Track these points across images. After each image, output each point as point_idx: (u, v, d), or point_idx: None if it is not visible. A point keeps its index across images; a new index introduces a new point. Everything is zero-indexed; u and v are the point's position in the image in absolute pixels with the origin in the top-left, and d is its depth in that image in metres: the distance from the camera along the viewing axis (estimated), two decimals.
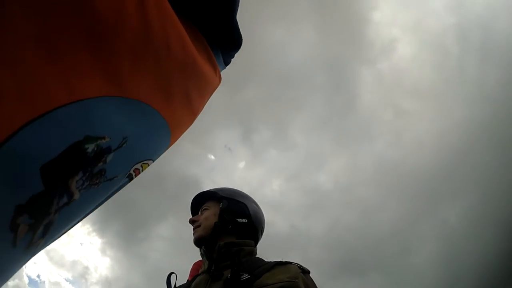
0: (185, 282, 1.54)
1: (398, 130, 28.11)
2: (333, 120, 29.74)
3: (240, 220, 1.52)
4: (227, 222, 1.48)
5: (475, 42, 22.88)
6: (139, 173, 1.15)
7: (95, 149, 0.79)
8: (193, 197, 1.68)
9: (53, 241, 0.92)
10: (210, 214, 1.53)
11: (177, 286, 1.48)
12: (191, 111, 1.24)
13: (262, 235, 1.66)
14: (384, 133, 28.45)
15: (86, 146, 0.76)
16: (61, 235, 0.96)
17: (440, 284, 22.29)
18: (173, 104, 1.05)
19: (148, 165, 1.17)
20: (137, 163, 1.07)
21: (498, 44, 21.47)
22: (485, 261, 20.14)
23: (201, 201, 1.63)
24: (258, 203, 1.71)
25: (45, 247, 0.87)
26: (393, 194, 26.76)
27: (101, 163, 0.85)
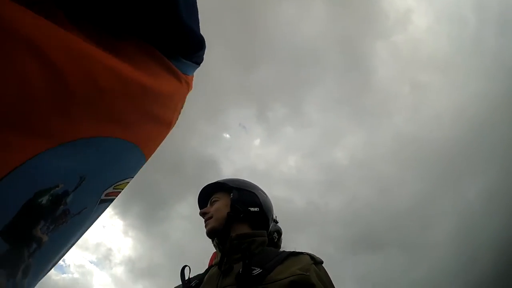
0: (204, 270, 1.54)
1: (415, 104, 27.54)
2: (349, 96, 29.32)
3: (252, 209, 1.52)
4: (240, 211, 1.48)
5: (493, 13, 21.89)
6: (117, 193, 1.17)
7: (50, 198, 0.84)
8: (201, 188, 1.67)
9: (43, 275, 0.99)
10: (221, 205, 1.52)
11: (190, 278, 1.48)
12: (161, 125, 1.23)
13: (272, 222, 1.65)
14: (401, 108, 27.95)
15: (40, 200, 0.81)
16: (50, 267, 1.02)
17: (458, 259, 22.26)
18: (134, 128, 1.05)
19: (127, 183, 1.19)
20: (107, 189, 1.08)
21: None
22: (502, 237, 19.96)
23: (208, 193, 1.63)
24: (266, 193, 1.70)
25: (35, 283, 0.93)
26: (411, 169, 26.51)
27: (62, 206, 0.89)
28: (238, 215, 1.47)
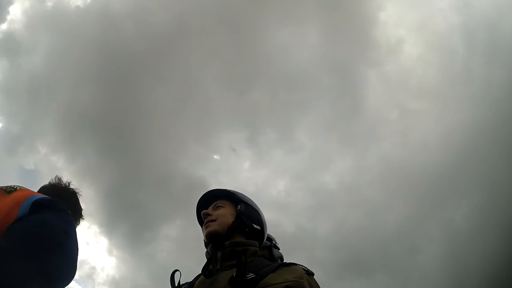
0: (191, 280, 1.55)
1: (403, 130, 28.07)
2: (339, 122, 29.77)
3: (255, 226, 1.55)
4: (245, 225, 1.51)
5: (482, 42, 22.91)
6: None
7: None
8: (200, 196, 1.68)
9: None
10: (226, 212, 1.55)
11: (181, 284, 1.49)
12: None
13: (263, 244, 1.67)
14: (389, 134, 28.44)
15: None
16: None
17: (446, 284, 22.22)
18: None
19: None
20: None
21: (504, 44, 21.53)
22: (491, 261, 20.06)
23: (212, 198, 1.64)
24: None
25: None
26: (399, 194, 26.73)
27: None
28: (242, 228, 1.51)
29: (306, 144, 30.38)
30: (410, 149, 27.15)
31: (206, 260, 1.55)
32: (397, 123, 28.05)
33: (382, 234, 26.28)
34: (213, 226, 1.48)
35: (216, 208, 1.56)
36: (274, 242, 2.46)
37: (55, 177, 2.19)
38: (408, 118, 27.73)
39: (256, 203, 1.69)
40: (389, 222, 26.27)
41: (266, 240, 2.26)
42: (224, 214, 1.52)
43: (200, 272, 1.52)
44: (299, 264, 1.38)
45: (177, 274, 1.47)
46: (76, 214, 2.07)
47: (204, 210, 1.56)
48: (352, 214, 28.16)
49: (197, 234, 1.57)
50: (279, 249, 2.47)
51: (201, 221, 1.60)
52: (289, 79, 28.37)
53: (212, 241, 1.49)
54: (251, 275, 1.26)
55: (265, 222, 1.63)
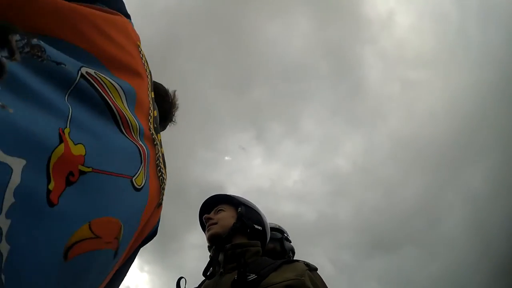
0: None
1: (408, 103, 27.92)
2: (343, 105, 29.67)
3: (256, 226, 1.57)
4: (246, 226, 1.52)
5: (474, 3, 22.68)
6: (99, 83, 0.93)
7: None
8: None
9: None
10: (227, 215, 1.56)
11: None
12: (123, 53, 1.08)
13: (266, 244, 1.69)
14: (395, 109, 28.31)
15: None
16: None
17: (473, 248, 22.18)
18: (86, 37, 0.93)
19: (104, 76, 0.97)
20: (83, 67, 0.88)
21: (496, 2, 21.24)
22: None
23: (213, 203, 1.66)
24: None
25: None
26: (414, 168, 26.63)
27: (35, 39, 0.76)
28: (243, 229, 1.51)
29: (313, 132, 30.40)
30: (418, 121, 26.98)
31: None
32: (401, 96, 27.88)
33: (403, 209, 26.26)
34: (215, 229, 1.50)
35: (217, 212, 1.59)
36: (285, 235, 2.48)
37: None
38: (411, 90, 27.53)
39: (258, 206, 1.73)
40: (408, 196, 26.22)
41: (278, 232, 2.39)
42: (225, 217, 1.55)
43: (202, 275, 1.55)
44: (301, 261, 1.38)
45: (182, 281, 1.48)
46: None
47: (206, 215, 1.59)
48: (370, 194, 28.15)
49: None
50: (290, 241, 2.49)
51: (204, 227, 1.63)
52: (287, 71, 28.34)
53: (215, 243, 1.50)
54: (252, 276, 1.27)
55: (267, 223, 1.65)
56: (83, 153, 0.78)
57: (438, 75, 26.26)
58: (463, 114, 23.48)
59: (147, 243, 1.13)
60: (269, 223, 2.41)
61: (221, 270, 1.42)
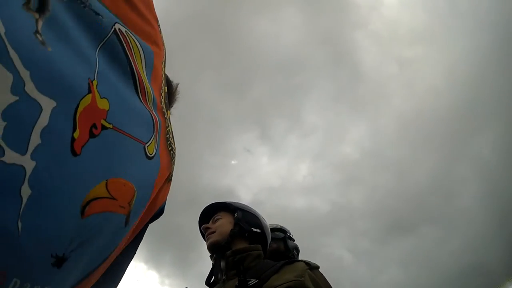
0: None
1: (408, 80, 27.61)
2: (343, 92, 29.51)
3: (254, 229, 1.57)
4: (244, 230, 1.52)
5: None
6: (128, 43, 0.92)
7: None
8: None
9: None
10: (224, 222, 1.55)
11: None
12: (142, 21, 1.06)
13: (269, 246, 1.69)
14: (395, 89, 28.01)
15: None
16: None
17: (491, 220, 21.74)
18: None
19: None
20: (117, 23, 0.86)
21: None
22: None
23: (211, 212, 1.67)
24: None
25: None
26: (422, 145, 26.27)
27: None
28: (241, 233, 1.51)
29: (317, 123, 30.31)
30: (421, 97, 26.64)
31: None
32: (400, 75, 27.58)
33: (416, 189, 25.94)
34: (213, 237, 1.49)
35: (215, 220, 1.58)
36: (288, 234, 2.47)
37: None
38: (409, 68, 27.21)
39: (256, 209, 1.74)
40: (420, 175, 25.90)
41: (280, 232, 2.39)
42: (223, 224, 1.53)
43: (205, 284, 1.55)
44: (302, 260, 1.38)
45: None
46: None
47: (204, 225, 1.58)
48: (381, 178, 27.92)
49: None
50: (293, 240, 2.45)
51: (204, 237, 1.62)
52: (283, 66, 28.33)
53: (215, 251, 1.50)
54: (253, 281, 1.28)
55: (265, 225, 1.65)
56: (107, 108, 0.77)
57: (433, 48, 25.91)
58: (463, 83, 23.10)
59: (154, 220, 1.10)
60: (271, 224, 2.33)
61: (223, 277, 1.41)
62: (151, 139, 0.95)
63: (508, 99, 20.95)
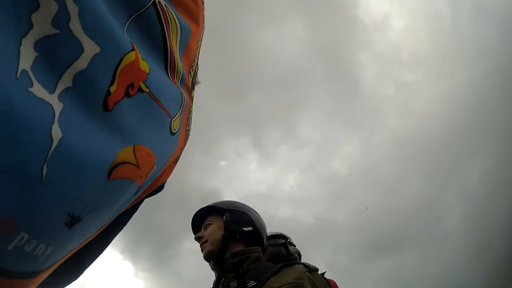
0: None
1: (404, 103, 28.09)
2: (339, 108, 29.87)
3: (246, 229, 1.54)
4: (234, 232, 1.50)
5: (467, 2, 22.91)
6: (166, 17, 0.90)
7: None
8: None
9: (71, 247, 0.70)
10: (214, 228, 1.52)
11: None
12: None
13: (266, 240, 1.67)
14: (391, 110, 28.45)
15: None
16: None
17: (474, 245, 22.08)
18: None
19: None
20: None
21: (488, 1, 21.46)
22: (511, 215, 19.94)
23: (201, 218, 1.63)
24: (256, 210, 1.71)
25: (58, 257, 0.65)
26: (412, 167, 26.61)
27: None
28: (233, 236, 1.49)
29: (311, 136, 30.53)
30: (415, 120, 27.10)
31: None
32: (397, 97, 28.05)
33: (402, 210, 26.22)
34: (207, 248, 1.46)
35: (206, 227, 1.55)
36: (289, 240, 2.48)
37: None
38: (407, 90, 27.73)
39: (247, 204, 1.71)
40: (407, 197, 26.20)
41: (281, 238, 2.41)
42: (213, 231, 1.50)
43: None
44: (301, 262, 1.36)
45: None
46: None
47: (196, 235, 1.56)
48: (369, 196, 28.15)
49: None
50: (295, 245, 2.47)
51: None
52: (283, 77, 28.59)
53: (212, 259, 1.48)
54: (252, 283, 1.28)
55: (258, 220, 1.61)
56: (147, 71, 0.74)
57: (433, 73, 26.50)
58: (459, 111, 23.59)
59: (152, 195, 1.07)
60: (271, 232, 2.38)
61: (222, 280, 1.41)
62: (177, 115, 0.94)
63: (499, 132, 21.48)
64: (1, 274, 0.50)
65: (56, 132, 0.50)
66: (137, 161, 0.73)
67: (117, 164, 0.66)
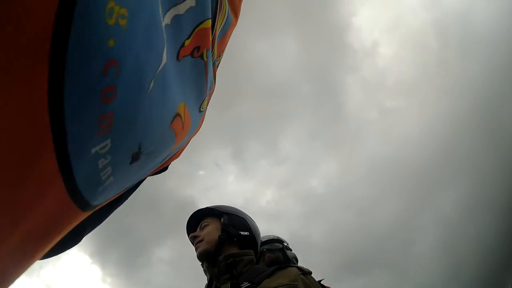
0: None
1: (385, 128, 28.87)
2: (321, 128, 30.25)
3: (242, 233, 1.55)
4: (232, 235, 1.51)
5: (454, 36, 24.05)
6: (221, 6, 0.96)
7: None
8: (189, 216, 1.70)
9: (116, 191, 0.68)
10: (211, 229, 1.54)
11: None
12: None
13: (260, 246, 1.68)
14: (372, 134, 29.17)
15: None
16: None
17: (443, 272, 22.65)
18: None
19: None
20: None
21: (476, 36, 22.62)
22: (483, 245, 20.71)
23: (197, 219, 1.65)
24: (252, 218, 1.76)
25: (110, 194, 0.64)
26: (388, 191, 27.23)
27: None
28: (229, 238, 1.50)
29: (291, 153, 30.76)
30: (394, 146, 27.92)
31: (205, 278, 1.55)
32: (378, 122, 28.87)
33: (376, 232, 26.68)
34: (202, 246, 1.49)
35: (203, 228, 1.57)
36: (285, 244, 2.55)
37: None
38: (388, 117, 28.60)
39: (244, 211, 1.72)
40: (382, 219, 26.73)
41: (278, 243, 2.49)
42: (210, 232, 1.53)
43: None
44: (295, 265, 1.37)
45: None
46: None
47: (192, 233, 1.57)
48: (344, 216, 28.52)
49: (192, 253, 1.54)
50: (291, 250, 2.55)
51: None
52: (269, 91, 28.85)
53: (206, 260, 1.49)
54: (245, 284, 1.29)
55: (254, 227, 1.64)
56: (211, 43, 0.79)
57: (415, 103, 27.48)
58: (438, 141, 24.51)
59: (158, 174, 1.09)
60: (268, 235, 2.51)
61: (215, 283, 1.42)
62: (206, 97, 0.96)
63: (475, 162, 22.46)
64: (75, 197, 0.48)
65: (164, 56, 0.54)
66: (184, 120, 0.75)
67: (177, 114, 0.69)
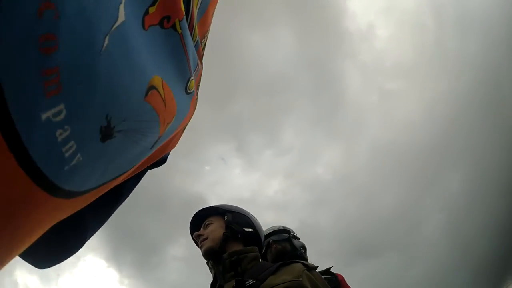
0: None
1: (386, 112, 28.73)
2: (323, 116, 30.18)
3: (246, 230, 1.57)
4: (236, 231, 1.52)
5: (451, 15, 23.72)
6: None
7: None
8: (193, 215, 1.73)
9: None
10: (215, 227, 1.55)
11: None
12: None
13: (264, 243, 1.68)
14: (374, 118, 29.03)
15: None
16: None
17: (452, 251, 22.73)
18: None
19: None
20: None
21: (473, 14, 22.27)
22: (491, 221, 20.66)
23: (200, 218, 1.66)
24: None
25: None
26: (393, 174, 27.19)
27: None
28: (234, 235, 1.51)
29: (294, 143, 30.75)
30: (397, 129, 27.72)
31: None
32: (379, 106, 28.70)
33: (384, 215, 26.74)
34: (207, 244, 1.49)
35: (207, 226, 1.58)
36: (292, 233, 2.53)
37: None
38: (389, 100, 28.40)
39: (247, 209, 1.74)
40: (389, 202, 26.74)
41: (284, 232, 2.45)
42: (214, 229, 1.54)
43: None
44: (299, 261, 1.38)
45: None
46: None
47: (196, 232, 1.57)
48: (351, 202, 28.59)
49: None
50: (299, 238, 2.53)
51: (197, 244, 1.61)
52: (268, 83, 28.71)
53: (211, 257, 1.50)
54: (250, 281, 1.29)
55: (258, 223, 1.66)
56: (183, 14, 0.72)
57: (415, 84, 27.21)
58: (440, 121, 24.32)
59: (156, 167, 1.06)
60: (274, 225, 2.50)
61: (221, 281, 1.43)
62: (193, 77, 0.89)
63: (480, 141, 22.27)
64: (34, 175, 0.41)
65: (121, 13, 0.49)
66: (164, 97, 0.68)
67: (152, 87, 0.63)
